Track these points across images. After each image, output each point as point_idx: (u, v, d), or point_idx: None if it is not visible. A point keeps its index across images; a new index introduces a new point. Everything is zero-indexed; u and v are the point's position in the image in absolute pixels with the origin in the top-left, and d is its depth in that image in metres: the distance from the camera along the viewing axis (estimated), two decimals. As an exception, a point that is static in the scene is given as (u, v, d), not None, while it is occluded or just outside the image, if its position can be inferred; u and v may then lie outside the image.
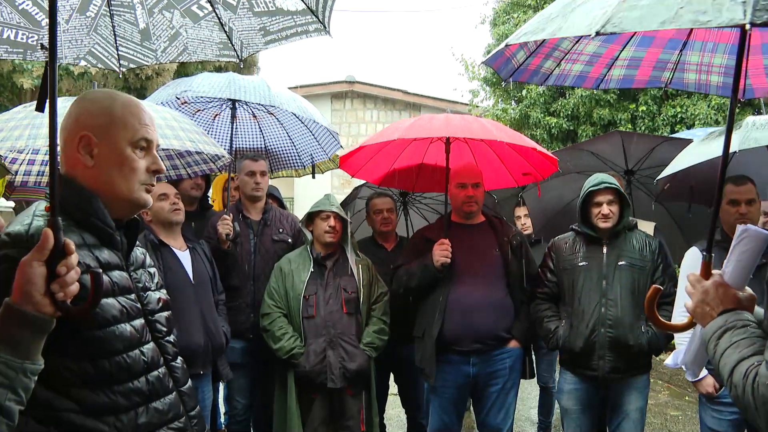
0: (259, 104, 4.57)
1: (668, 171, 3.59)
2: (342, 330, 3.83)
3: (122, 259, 1.67)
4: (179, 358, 1.80)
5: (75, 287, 1.35)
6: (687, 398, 6.82)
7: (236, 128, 4.73)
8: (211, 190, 5.19)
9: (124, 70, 2.62)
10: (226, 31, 2.54)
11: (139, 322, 1.64)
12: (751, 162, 3.66)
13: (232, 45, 2.59)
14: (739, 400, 1.42)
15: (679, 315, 3.30)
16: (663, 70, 3.17)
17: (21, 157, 4.34)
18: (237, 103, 4.55)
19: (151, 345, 1.67)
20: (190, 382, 1.81)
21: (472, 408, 4.16)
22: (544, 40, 2.58)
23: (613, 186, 3.61)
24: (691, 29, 2.80)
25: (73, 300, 1.36)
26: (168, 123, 3.40)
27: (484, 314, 3.68)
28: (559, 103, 10.30)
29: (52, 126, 1.46)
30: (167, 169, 3.76)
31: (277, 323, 3.84)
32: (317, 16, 2.44)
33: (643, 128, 9.44)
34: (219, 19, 2.52)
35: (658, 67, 3.16)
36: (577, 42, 2.97)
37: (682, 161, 3.56)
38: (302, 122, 4.99)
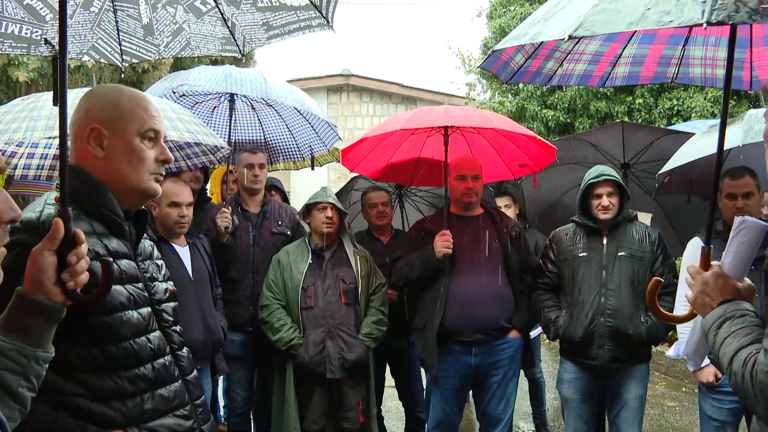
0: (257, 97, 4.57)
1: (670, 165, 3.60)
2: (341, 321, 3.84)
3: (130, 248, 1.70)
4: (185, 348, 1.82)
5: (85, 276, 1.37)
6: (684, 389, 6.86)
7: (235, 120, 4.74)
8: (209, 183, 5.19)
9: (126, 64, 2.63)
10: (228, 27, 2.55)
11: (146, 310, 1.66)
12: (754, 154, 3.68)
13: (235, 40, 2.60)
14: (738, 388, 1.44)
15: (681, 306, 3.34)
16: (668, 65, 3.20)
17: (20, 151, 4.32)
18: (235, 96, 4.54)
19: (158, 333, 1.69)
20: (195, 372, 1.83)
21: (471, 400, 4.19)
22: (542, 42, 2.62)
23: (613, 178, 3.64)
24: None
25: (83, 288, 1.38)
26: (166, 114, 3.38)
27: (485, 305, 3.71)
28: (556, 95, 10.32)
29: (62, 118, 1.49)
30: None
31: (275, 315, 3.86)
32: (320, 11, 2.45)
33: (639, 121, 9.47)
34: (222, 14, 2.52)
35: (663, 62, 3.19)
36: (577, 42, 3.00)
37: (684, 155, 3.58)
38: (301, 114, 5.00)
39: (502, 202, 5.36)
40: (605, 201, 3.61)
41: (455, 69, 25.04)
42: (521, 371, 4.20)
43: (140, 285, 1.68)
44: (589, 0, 1.90)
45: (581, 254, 3.68)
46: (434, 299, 3.74)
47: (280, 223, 4.36)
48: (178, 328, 1.81)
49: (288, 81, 4.97)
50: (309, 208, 4.03)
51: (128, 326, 1.58)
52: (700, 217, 4.14)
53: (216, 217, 4.00)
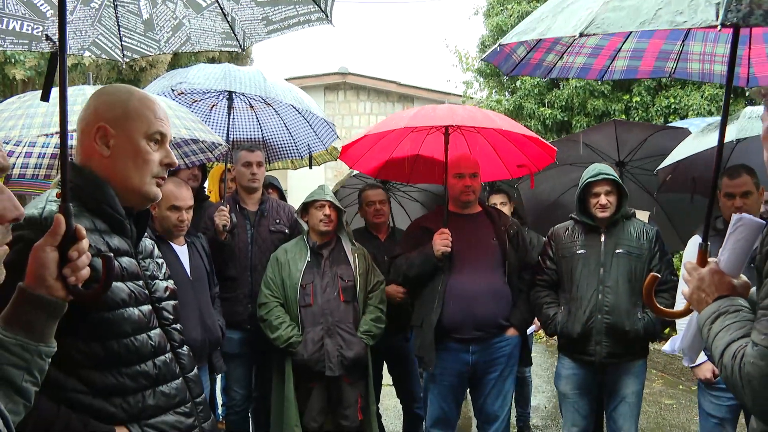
0: (256, 95, 4.57)
1: (669, 161, 3.61)
2: (339, 318, 3.85)
3: (131, 246, 1.71)
4: (185, 345, 1.83)
5: (86, 271, 1.38)
6: (681, 387, 6.89)
7: (233, 119, 4.73)
8: (207, 182, 5.19)
9: (127, 60, 2.64)
10: (228, 21, 2.56)
11: (146, 307, 1.67)
12: (753, 151, 3.70)
13: (235, 35, 2.60)
14: (728, 381, 1.46)
15: (681, 302, 3.35)
16: (666, 60, 3.21)
17: (18, 150, 4.31)
18: (234, 94, 4.54)
19: (158, 331, 1.70)
20: (196, 370, 1.84)
21: (469, 397, 4.20)
22: (543, 36, 2.63)
23: (611, 177, 3.65)
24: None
25: (84, 283, 1.39)
26: (162, 111, 3.39)
27: (484, 302, 3.72)
28: (553, 94, 10.31)
29: (63, 115, 1.49)
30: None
31: (274, 312, 3.86)
32: (319, 6, 2.46)
33: (636, 119, 9.45)
34: (222, 9, 2.53)
35: (661, 57, 3.20)
36: (580, 35, 3.00)
37: (682, 151, 3.59)
38: (299, 112, 5.00)
39: (496, 199, 5.35)
40: (603, 200, 3.62)
41: (452, 67, 25.05)
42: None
43: (141, 282, 1.69)
44: None
45: (579, 251, 3.70)
46: (432, 297, 3.75)
47: (278, 221, 4.37)
48: (178, 326, 1.82)
49: (285, 79, 4.96)
50: (307, 206, 4.04)
51: (129, 323, 1.59)
52: (702, 215, 4.16)
53: (214, 216, 4.00)
